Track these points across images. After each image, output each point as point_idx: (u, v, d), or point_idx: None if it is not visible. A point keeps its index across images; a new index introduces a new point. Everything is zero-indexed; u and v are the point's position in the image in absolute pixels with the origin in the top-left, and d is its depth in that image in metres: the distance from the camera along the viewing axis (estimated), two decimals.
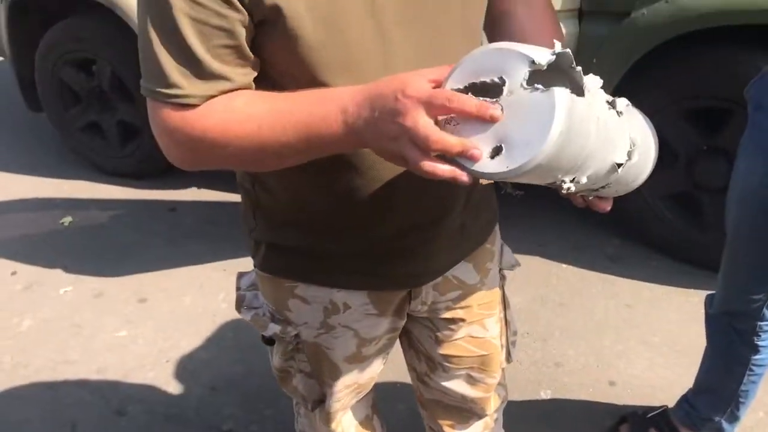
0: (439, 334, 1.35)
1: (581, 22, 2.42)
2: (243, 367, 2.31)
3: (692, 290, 2.47)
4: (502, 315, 1.41)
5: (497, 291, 1.38)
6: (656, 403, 2.03)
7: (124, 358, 2.39)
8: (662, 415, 1.95)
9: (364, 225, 1.10)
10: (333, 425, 1.43)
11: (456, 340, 1.35)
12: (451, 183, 0.82)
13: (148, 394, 2.25)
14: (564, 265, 2.67)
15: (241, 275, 1.37)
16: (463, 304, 1.32)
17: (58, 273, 2.84)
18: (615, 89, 2.41)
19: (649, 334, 2.31)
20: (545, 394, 2.13)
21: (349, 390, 1.37)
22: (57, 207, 3.31)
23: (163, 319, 2.56)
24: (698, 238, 2.55)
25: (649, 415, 1.96)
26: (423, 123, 0.79)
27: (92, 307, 2.64)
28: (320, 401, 1.40)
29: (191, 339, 2.45)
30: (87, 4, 3.14)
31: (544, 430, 2.02)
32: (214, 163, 0.99)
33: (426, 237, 1.17)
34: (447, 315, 1.32)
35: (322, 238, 1.14)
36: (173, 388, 2.27)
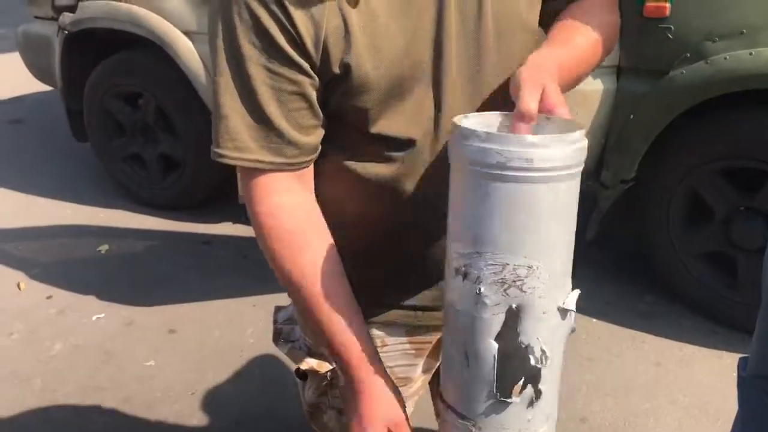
0: None
1: (619, 79, 2.45)
2: (268, 404, 2.32)
3: (724, 351, 2.43)
4: None
5: None
6: None
7: (150, 389, 2.41)
8: None
9: (406, 267, 1.12)
10: None
11: None
12: None
13: (173, 426, 2.26)
14: (594, 320, 2.65)
15: (278, 309, 1.39)
16: None
17: (91, 299, 2.89)
18: (652, 146, 2.42)
19: (678, 393, 2.28)
20: None
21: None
22: (94, 235, 3.38)
23: (192, 351, 2.59)
24: (732, 299, 2.51)
25: None
26: None
27: (123, 335, 2.68)
28: None
29: (218, 372, 2.47)
30: (138, 40, 3.26)
31: None
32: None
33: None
34: None
35: (361, 269, 1.16)
36: (198, 421, 2.28)
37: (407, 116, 1.00)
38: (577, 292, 0.88)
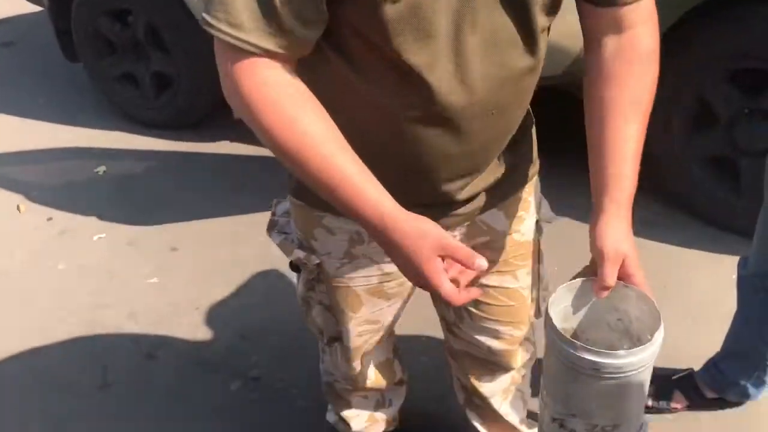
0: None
1: None
2: (272, 318, 2.34)
3: (726, 256, 2.43)
4: (535, 267, 1.41)
5: (532, 243, 1.38)
6: (681, 366, 2.01)
7: (155, 305, 2.44)
8: (688, 378, 1.94)
9: (398, 171, 1.10)
10: (354, 364, 1.47)
11: (487, 288, 1.36)
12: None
13: (179, 340, 2.29)
14: None
15: (278, 202, 1.40)
16: (494, 250, 1.32)
17: (92, 220, 2.89)
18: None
19: (679, 298, 2.29)
20: None
21: (369, 326, 1.40)
22: (92, 156, 3.35)
23: (195, 268, 2.60)
24: (735, 204, 2.50)
25: (675, 377, 1.95)
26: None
27: (125, 254, 2.69)
28: (336, 338, 1.43)
29: (222, 288, 2.49)
30: None
31: None
32: (244, 120, 1.00)
33: (460, 185, 1.17)
34: None
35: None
36: (203, 335, 2.31)
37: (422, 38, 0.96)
38: (646, 426, 1.12)
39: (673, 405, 1.91)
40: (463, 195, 1.20)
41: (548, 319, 1.01)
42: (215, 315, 2.38)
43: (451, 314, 1.46)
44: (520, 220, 1.33)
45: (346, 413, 1.71)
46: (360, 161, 0.97)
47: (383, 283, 1.32)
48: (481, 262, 0.96)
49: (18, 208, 3.00)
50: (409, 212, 0.98)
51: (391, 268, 1.26)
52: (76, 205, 2.98)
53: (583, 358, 0.96)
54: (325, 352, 1.59)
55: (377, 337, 1.45)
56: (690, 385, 1.92)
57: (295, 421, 2.01)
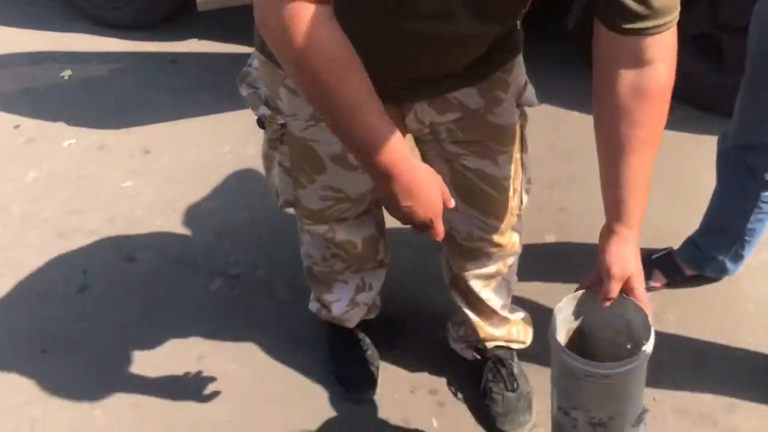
0: (448, 162, 1.34)
1: None
2: (249, 215, 2.32)
3: (706, 136, 2.40)
4: (518, 156, 1.38)
5: (512, 127, 1.35)
6: (660, 246, 2.03)
7: (131, 208, 2.40)
8: (667, 257, 1.95)
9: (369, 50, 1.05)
10: (320, 228, 1.48)
11: (466, 171, 1.35)
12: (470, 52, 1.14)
13: (157, 241, 2.27)
14: (575, 113, 2.60)
15: (255, 55, 1.34)
16: (467, 129, 1.29)
17: (60, 126, 2.80)
18: None
19: (657, 178, 2.24)
20: (549, 238, 2.14)
21: (333, 193, 1.39)
22: (56, 60, 3.22)
23: (168, 170, 2.55)
24: (716, 82, 2.45)
25: (654, 256, 1.96)
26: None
27: (96, 159, 2.63)
28: (291, 204, 1.44)
29: (197, 189, 2.45)
30: None
31: (550, 273, 2.03)
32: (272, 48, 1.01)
33: (440, 67, 1.15)
34: (451, 138, 1.30)
35: None
36: (181, 235, 2.29)
37: None
38: (646, 414, 1.25)
39: (653, 284, 1.93)
40: (439, 74, 1.16)
41: (552, 328, 1.16)
42: (192, 215, 2.35)
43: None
44: (496, 101, 1.29)
45: (327, 297, 1.72)
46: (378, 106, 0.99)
47: (347, 151, 1.29)
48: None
49: None
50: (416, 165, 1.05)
51: None
52: (43, 111, 2.88)
53: (578, 366, 1.13)
54: (304, 234, 1.59)
55: (344, 207, 1.45)
56: (669, 264, 1.94)
57: (277, 316, 2.01)
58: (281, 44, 0.94)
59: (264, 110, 1.30)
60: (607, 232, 1.15)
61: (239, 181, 2.46)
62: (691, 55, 2.48)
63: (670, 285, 1.95)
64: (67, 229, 2.33)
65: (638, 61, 1.04)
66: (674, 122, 2.42)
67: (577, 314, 1.23)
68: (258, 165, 2.52)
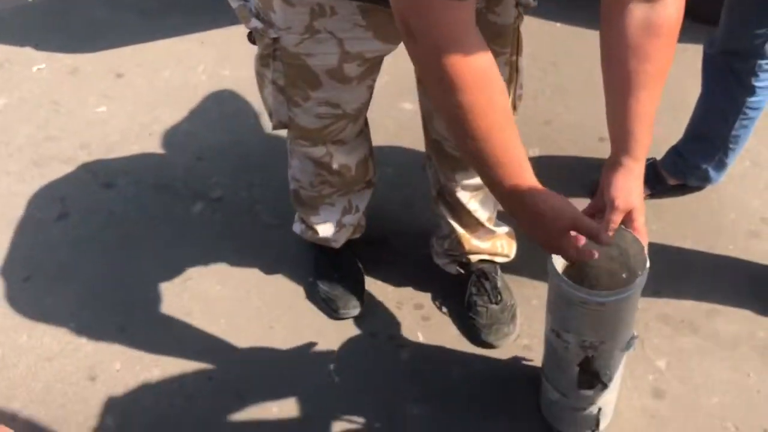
0: None
1: None
2: (228, 137, 2.28)
3: (688, 44, 2.34)
4: (514, 59, 1.35)
5: (510, 27, 1.32)
6: None
7: (106, 134, 2.35)
8: (650, 168, 1.94)
9: None
10: (317, 149, 1.47)
11: None
12: None
13: (135, 166, 2.23)
14: (558, 24, 2.54)
15: None
16: None
17: (29, 51, 2.71)
18: None
19: None
20: (533, 152, 2.12)
21: (330, 109, 1.38)
22: None
23: (143, 93, 2.48)
24: None
25: None
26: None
27: (68, 83, 2.56)
28: (285, 125, 1.41)
29: (173, 112, 2.39)
30: None
31: None
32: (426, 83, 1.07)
33: None
34: None
35: None
36: (159, 159, 2.25)
37: None
38: (635, 339, 1.31)
39: None
40: None
41: (550, 255, 1.19)
42: (169, 139, 2.30)
43: (429, 103, 1.45)
44: (497, 0, 1.27)
45: (313, 219, 1.71)
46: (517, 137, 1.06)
47: (343, 63, 1.28)
48: (608, 239, 1.11)
49: None
50: (545, 189, 1.09)
51: (354, 47, 1.25)
52: (10, 36, 2.77)
53: (573, 293, 1.17)
54: (293, 158, 1.57)
55: (342, 126, 1.43)
56: (652, 174, 1.93)
57: (261, 238, 2.00)
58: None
59: (256, 23, 1.25)
60: (613, 164, 1.16)
61: (216, 104, 2.41)
62: None
63: (653, 196, 1.95)
64: (42, 157, 2.28)
65: None
66: None
67: None
68: (235, 86, 2.49)
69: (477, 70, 0.97)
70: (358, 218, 1.75)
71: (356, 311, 1.80)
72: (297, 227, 1.80)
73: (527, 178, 1.07)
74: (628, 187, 1.15)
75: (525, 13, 1.35)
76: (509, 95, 1.40)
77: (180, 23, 2.72)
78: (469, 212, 1.62)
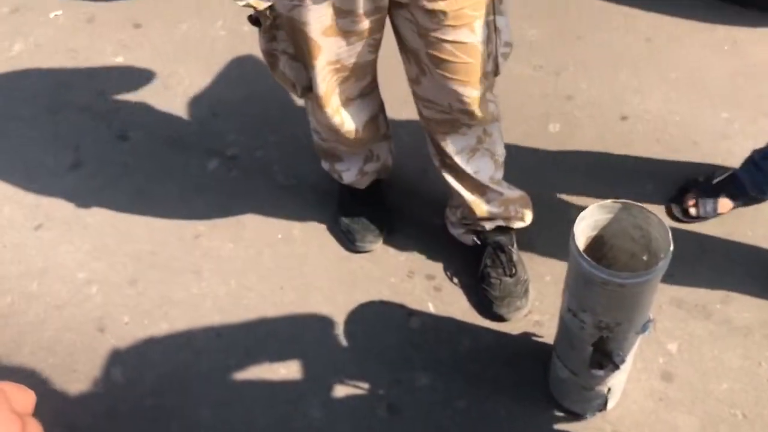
0: (421, 27, 1.31)
1: None
2: (245, 94, 2.25)
3: (719, 25, 2.32)
4: (491, 19, 1.32)
5: None
6: (667, 138, 1.99)
7: (123, 84, 2.32)
8: (730, 179, 1.82)
9: None
10: (328, 112, 1.47)
11: (443, 43, 1.32)
12: None
13: (149, 119, 2.21)
14: None
15: None
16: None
17: None
18: None
19: (667, 69, 2.21)
20: (553, 128, 2.09)
21: (331, 68, 1.38)
22: None
23: (160, 45, 2.45)
24: None
25: (716, 181, 1.84)
26: None
27: (85, 32, 2.52)
28: (309, 88, 1.41)
29: (190, 65, 2.36)
30: None
31: (550, 164, 2.00)
32: None
33: None
34: (427, 6, 1.26)
35: None
36: (175, 114, 2.22)
37: None
38: (651, 323, 1.30)
39: (720, 210, 1.83)
40: None
41: (573, 233, 1.19)
42: (185, 93, 2.27)
43: (413, 68, 1.43)
44: None
45: (338, 167, 1.75)
46: None
47: (337, 20, 1.28)
48: None
49: None
50: None
51: (345, 4, 1.25)
52: None
53: (593, 272, 1.15)
54: (309, 114, 1.57)
55: (345, 79, 1.43)
56: (734, 187, 1.81)
57: (275, 199, 1.99)
58: None
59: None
60: None
61: (233, 58, 2.37)
62: None
63: (735, 207, 1.83)
64: (56, 103, 2.26)
65: None
66: (686, 10, 2.36)
67: (597, 222, 1.26)
68: (254, 42, 2.44)
69: None
70: (380, 165, 1.78)
71: (373, 246, 1.83)
72: (324, 165, 1.81)
73: None
74: None
75: None
76: (490, 55, 1.38)
77: None
78: (470, 175, 1.60)
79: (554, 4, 2.44)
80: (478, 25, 1.31)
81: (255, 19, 1.31)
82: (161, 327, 1.76)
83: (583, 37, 2.33)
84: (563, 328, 1.39)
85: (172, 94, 2.27)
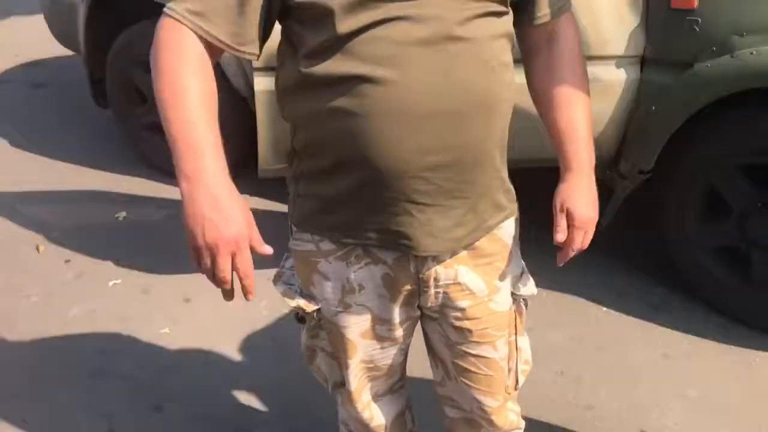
0: (448, 339, 1.43)
1: (643, 69, 2.43)
2: (280, 376, 2.35)
3: (733, 347, 2.44)
4: (512, 339, 1.46)
5: (508, 313, 1.44)
6: None
7: (165, 356, 2.46)
8: None
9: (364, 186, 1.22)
10: (359, 407, 1.53)
11: (467, 356, 1.43)
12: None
13: (186, 392, 2.30)
14: (605, 309, 2.66)
15: (287, 256, 1.47)
16: (471, 317, 1.39)
17: (109, 265, 2.93)
18: (672, 137, 2.41)
19: (685, 386, 2.29)
20: None
21: (364, 366, 1.46)
22: (114, 202, 3.41)
23: (206, 320, 2.62)
24: (744, 295, 2.52)
25: None
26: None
27: (139, 301, 2.72)
28: (341, 384, 1.50)
29: (232, 343, 2.51)
30: (161, 9, 3.25)
31: None
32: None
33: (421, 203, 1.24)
34: (455, 323, 1.40)
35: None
36: (211, 389, 2.32)
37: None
38: None
39: None
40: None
41: None
42: (224, 370, 2.39)
43: (439, 371, 1.53)
44: (494, 288, 1.40)
45: None
46: (215, 132, 1.16)
47: (375, 325, 1.40)
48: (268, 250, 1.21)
49: (37, 248, 3.05)
50: (228, 185, 1.14)
51: (383, 314, 1.38)
52: (95, 249, 3.02)
53: None
54: (339, 403, 1.63)
55: (376, 378, 1.51)
56: None
57: None
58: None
59: (300, 301, 1.39)
60: (560, 178, 1.36)
61: (273, 341, 2.52)
62: (719, 266, 2.56)
63: None
64: (98, 370, 2.39)
65: (552, 37, 1.34)
66: (702, 329, 2.50)
67: None
68: (291, 325, 2.61)
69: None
70: None
71: None
72: None
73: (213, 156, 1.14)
74: (567, 193, 1.33)
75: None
76: (510, 370, 1.48)
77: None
78: None
79: (576, 311, 2.61)
80: (501, 344, 1.44)
81: (301, 318, 1.43)
82: None
83: (603, 347, 2.46)
84: None
85: (211, 370, 2.39)
